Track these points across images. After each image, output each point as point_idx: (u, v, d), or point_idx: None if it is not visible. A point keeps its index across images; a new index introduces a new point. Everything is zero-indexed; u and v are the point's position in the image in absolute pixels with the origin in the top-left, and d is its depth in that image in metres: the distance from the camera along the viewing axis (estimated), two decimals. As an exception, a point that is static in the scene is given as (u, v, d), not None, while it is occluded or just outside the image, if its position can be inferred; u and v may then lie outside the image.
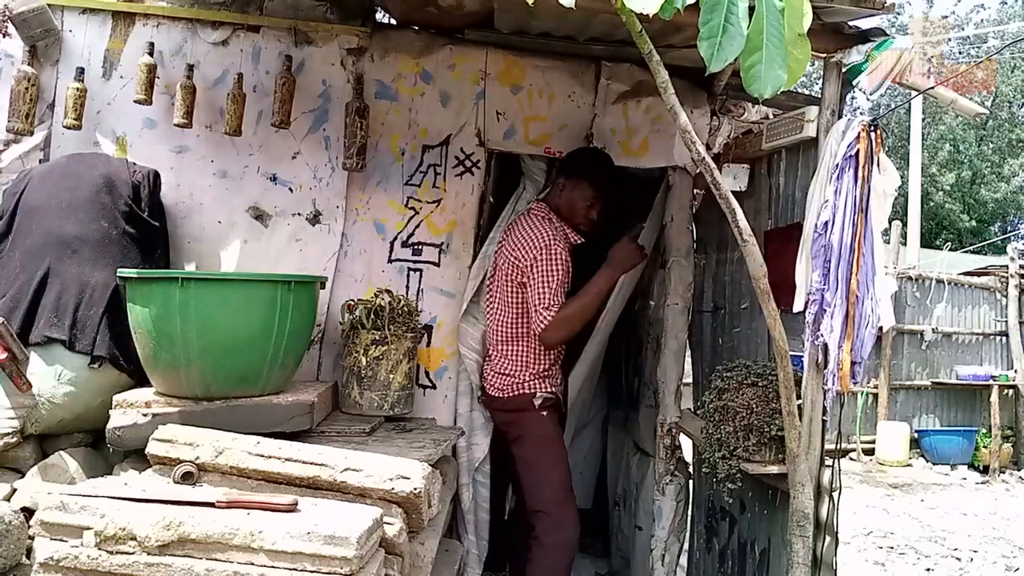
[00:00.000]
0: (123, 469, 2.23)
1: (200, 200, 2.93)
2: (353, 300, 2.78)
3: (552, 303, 2.78)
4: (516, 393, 2.92)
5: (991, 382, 8.51)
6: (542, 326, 2.79)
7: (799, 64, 1.74)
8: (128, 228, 2.58)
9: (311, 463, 1.97)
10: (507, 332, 2.93)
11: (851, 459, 8.57)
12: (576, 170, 2.95)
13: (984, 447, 8.44)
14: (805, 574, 2.27)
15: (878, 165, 2.21)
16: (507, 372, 2.94)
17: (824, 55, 2.46)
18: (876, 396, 8.75)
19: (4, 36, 2.76)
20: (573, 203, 2.95)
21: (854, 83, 2.56)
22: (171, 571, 1.65)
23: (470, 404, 3.08)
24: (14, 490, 2.20)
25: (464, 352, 3.05)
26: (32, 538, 1.80)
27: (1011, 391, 8.71)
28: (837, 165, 2.20)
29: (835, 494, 2.34)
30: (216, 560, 1.66)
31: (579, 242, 3.01)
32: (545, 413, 2.94)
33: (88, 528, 1.69)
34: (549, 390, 2.95)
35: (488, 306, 3.01)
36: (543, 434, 2.92)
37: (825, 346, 2.21)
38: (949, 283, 9.05)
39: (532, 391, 2.92)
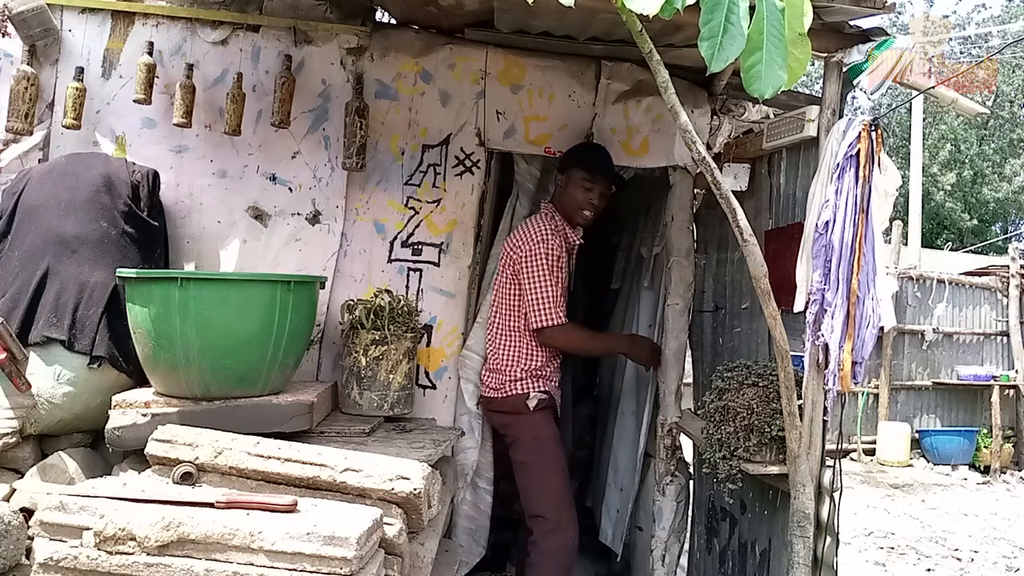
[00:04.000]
0: (122, 469, 2.23)
1: (199, 200, 2.93)
2: (353, 300, 2.78)
3: (560, 303, 2.84)
4: (509, 393, 2.90)
5: (992, 382, 8.50)
6: (547, 323, 2.82)
7: (800, 64, 1.74)
8: (127, 228, 2.58)
9: (311, 463, 1.97)
10: (502, 328, 2.94)
11: (852, 459, 8.56)
12: (568, 162, 2.98)
13: (985, 447, 8.43)
14: (806, 574, 2.26)
15: (879, 165, 2.21)
16: (499, 368, 2.93)
17: (825, 55, 2.46)
18: (877, 396, 8.74)
19: (3, 36, 2.76)
20: (571, 193, 2.95)
21: (855, 83, 2.56)
22: (170, 571, 1.64)
23: (459, 408, 3.06)
24: (13, 490, 2.20)
25: (467, 354, 3.05)
26: (31, 538, 1.80)
27: (1012, 391, 8.70)
28: (838, 165, 2.20)
29: (836, 494, 2.33)
30: (216, 560, 1.66)
31: (579, 242, 3.02)
32: (540, 415, 2.91)
33: (87, 528, 1.69)
34: (543, 389, 2.92)
35: (492, 306, 3.02)
36: (538, 437, 2.89)
37: (826, 346, 2.21)
38: (950, 283, 9.04)
39: (525, 391, 2.90)
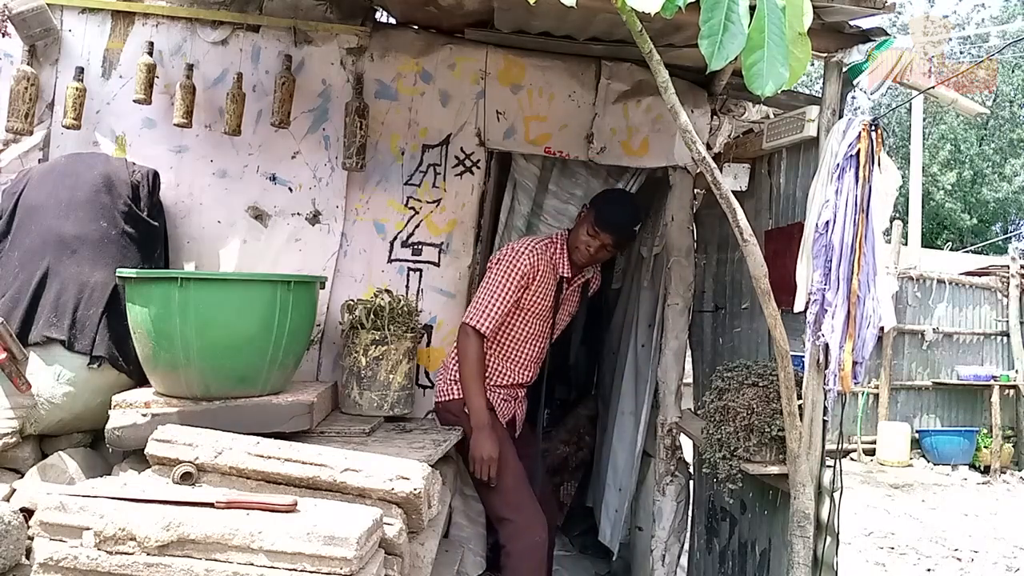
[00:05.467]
0: (122, 469, 2.23)
1: (199, 200, 2.93)
2: (353, 300, 2.78)
3: (490, 313, 2.74)
4: (449, 398, 2.83)
5: (992, 382, 8.49)
6: (467, 320, 2.76)
7: (800, 63, 1.74)
8: (127, 228, 2.58)
9: (311, 463, 1.96)
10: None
11: (852, 459, 8.56)
12: (594, 201, 2.89)
13: (985, 447, 8.42)
14: (806, 574, 2.26)
15: (879, 165, 2.21)
16: (447, 367, 2.89)
17: (825, 55, 2.46)
18: (877, 396, 8.74)
19: (3, 36, 2.76)
20: (579, 230, 2.85)
21: (855, 83, 2.55)
22: (170, 571, 1.64)
23: None
24: (13, 490, 2.20)
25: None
26: (31, 538, 1.80)
27: (1012, 391, 8.69)
28: (838, 165, 2.20)
29: (836, 494, 2.33)
30: (216, 560, 1.66)
31: (568, 275, 2.93)
32: None
33: (87, 528, 1.69)
34: None
35: None
36: None
37: (826, 346, 2.21)
38: (950, 283, 9.03)
39: (460, 396, 2.80)
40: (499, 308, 2.76)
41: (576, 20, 2.75)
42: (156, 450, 2.04)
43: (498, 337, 2.89)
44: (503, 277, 2.77)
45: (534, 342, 2.96)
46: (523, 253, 2.80)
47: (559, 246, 2.91)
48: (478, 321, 2.75)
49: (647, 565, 3.26)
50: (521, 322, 2.89)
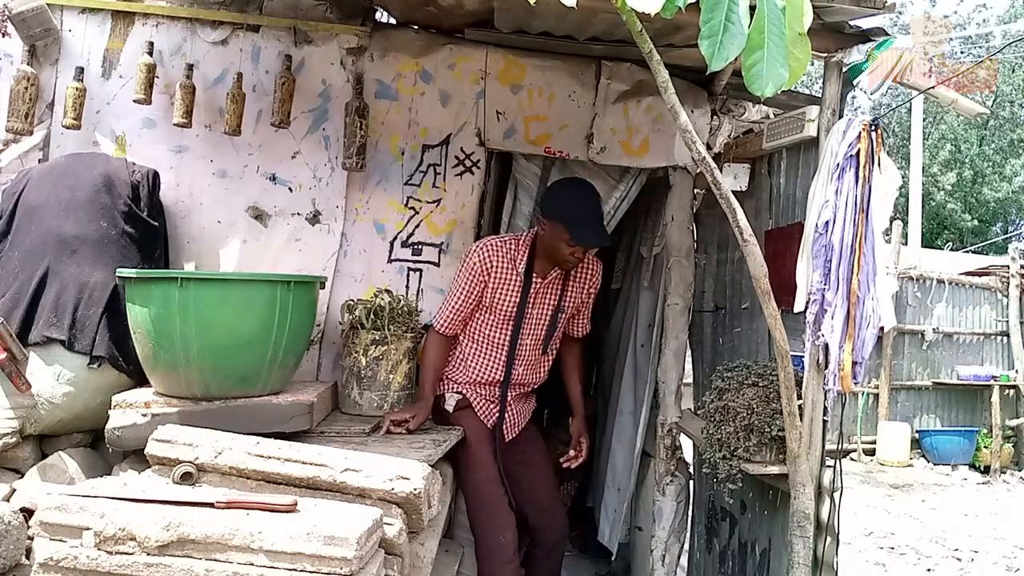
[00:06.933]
0: (122, 469, 2.23)
1: (199, 200, 2.93)
2: (353, 300, 2.78)
3: (448, 313, 2.78)
4: (437, 392, 2.83)
5: (992, 382, 8.50)
6: (433, 321, 2.83)
7: (800, 63, 1.74)
8: (127, 228, 2.58)
9: (311, 463, 1.96)
10: None
11: (852, 459, 8.56)
12: (550, 208, 2.68)
13: (985, 447, 8.43)
14: (806, 574, 2.26)
15: (879, 165, 2.21)
16: None
17: (825, 55, 2.46)
18: (877, 396, 8.74)
19: (3, 36, 2.76)
20: (553, 244, 2.68)
21: (855, 83, 2.56)
22: (170, 571, 1.64)
23: None
24: (13, 490, 2.20)
25: None
26: (31, 538, 1.80)
27: (1012, 391, 8.70)
28: (838, 165, 2.20)
29: (836, 494, 2.33)
30: (216, 560, 1.66)
31: (521, 270, 2.81)
32: (460, 415, 2.80)
33: (87, 528, 1.69)
34: (455, 390, 2.83)
35: None
36: (460, 441, 2.74)
37: (826, 346, 2.21)
38: (950, 283, 9.03)
39: (441, 392, 2.82)
40: (452, 306, 2.78)
41: (576, 20, 2.75)
42: (156, 450, 2.03)
43: (470, 333, 2.85)
44: (457, 277, 2.80)
45: (502, 340, 2.82)
46: (474, 251, 2.76)
47: (522, 243, 2.78)
48: (438, 321, 2.81)
49: (647, 565, 3.26)
50: (488, 318, 2.81)
